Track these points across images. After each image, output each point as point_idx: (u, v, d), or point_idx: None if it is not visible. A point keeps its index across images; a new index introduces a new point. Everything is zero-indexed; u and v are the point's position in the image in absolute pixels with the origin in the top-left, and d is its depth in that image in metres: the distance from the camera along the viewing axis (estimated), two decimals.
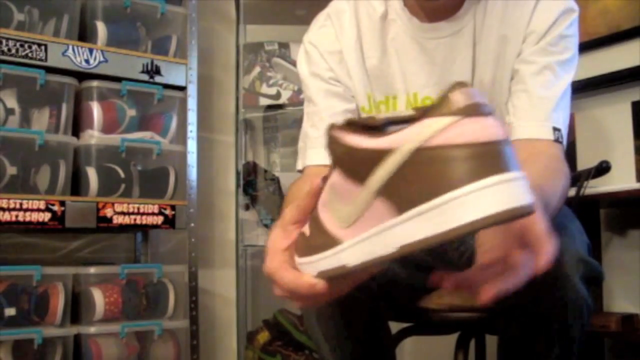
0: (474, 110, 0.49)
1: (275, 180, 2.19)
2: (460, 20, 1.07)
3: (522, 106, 1.05)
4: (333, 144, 0.58)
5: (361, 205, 0.56)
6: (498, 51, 1.07)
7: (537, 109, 1.05)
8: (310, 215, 0.66)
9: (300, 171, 1.17)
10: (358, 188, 0.55)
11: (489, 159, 0.48)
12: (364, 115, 1.17)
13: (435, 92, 1.11)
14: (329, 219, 0.61)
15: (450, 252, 1.14)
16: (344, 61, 1.14)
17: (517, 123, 1.04)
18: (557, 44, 1.04)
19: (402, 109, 1.14)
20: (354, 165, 0.56)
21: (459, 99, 0.49)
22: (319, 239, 0.62)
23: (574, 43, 1.06)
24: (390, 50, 1.12)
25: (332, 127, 0.58)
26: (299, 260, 0.66)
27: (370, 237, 0.56)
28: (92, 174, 1.78)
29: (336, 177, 0.59)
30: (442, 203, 0.48)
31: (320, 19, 1.19)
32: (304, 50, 1.18)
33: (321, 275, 0.62)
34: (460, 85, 0.50)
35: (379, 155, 0.52)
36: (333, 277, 0.62)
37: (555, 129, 1.02)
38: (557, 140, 1.02)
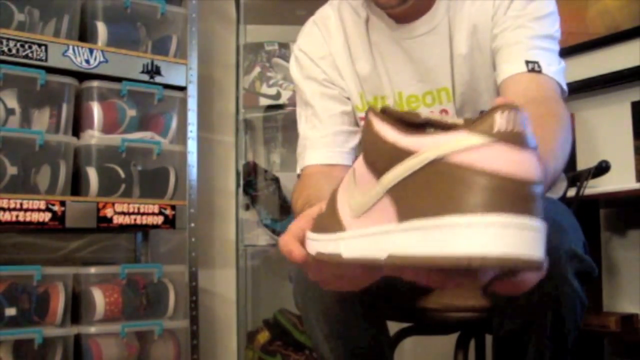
0: (513, 138, 0.44)
1: (275, 180, 2.19)
2: (434, 18, 1.09)
3: (496, 61, 1.04)
4: (365, 128, 0.54)
5: (372, 200, 0.53)
6: (471, 42, 1.08)
7: (505, 53, 1.01)
8: (332, 192, 0.64)
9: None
10: (374, 181, 0.53)
11: (510, 195, 0.43)
12: (358, 114, 1.17)
13: (420, 90, 1.12)
14: (343, 203, 0.59)
15: None
16: (335, 64, 1.16)
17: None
18: (526, 7, 1.03)
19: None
20: (376, 156, 0.53)
21: (502, 121, 0.44)
22: (329, 220, 0.61)
23: (546, 5, 1.05)
24: (375, 52, 1.14)
25: (370, 110, 0.55)
26: (308, 234, 0.64)
27: (369, 236, 0.53)
28: (92, 174, 1.78)
29: (359, 163, 0.56)
30: (443, 225, 0.44)
31: (307, 26, 1.22)
32: (294, 58, 1.21)
33: (319, 256, 0.61)
34: (509, 107, 0.45)
35: (400, 154, 0.49)
36: (328, 262, 0.60)
37: (529, 62, 0.97)
38: (533, 70, 0.96)
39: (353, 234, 0.56)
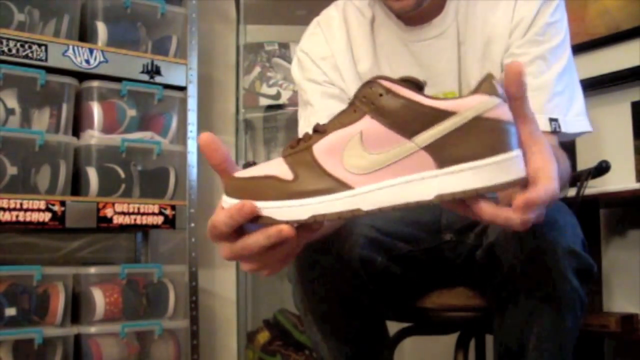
0: (503, 97, 0.62)
1: None
2: (443, 22, 1.09)
3: None
4: (382, 94, 0.64)
5: (398, 156, 0.62)
6: (483, 51, 1.08)
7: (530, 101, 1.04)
8: (288, 158, 0.66)
9: None
10: (401, 139, 0.62)
11: (511, 136, 0.62)
12: None
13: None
14: (336, 164, 0.64)
15: (447, 252, 1.14)
16: (337, 65, 1.15)
17: None
18: (545, 33, 1.04)
19: None
20: (407, 117, 0.62)
21: (497, 85, 0.61)
22: (315, 184, 0.63)
23: (561, 27, 1.06)
24: (380, 54, 1.14)
25: (382, 77, 0.65)
26: (274, 203, 0.64)
27: (397, 185, 0.62)
28: (92, 174, 1.78)
29: (371, 126, 0.64)
30: (493, 162, 0.60)
31: (310, 27, 1.22)
32: (296, 59, 1.21)
33: (317, 218, 0.63)
34: (492, 76, 0.62)
35: (440, 115, 0.61)
36: (335, 220, 0.63)
37: (552, 120, 1.01)
38: (554, 131, 1.01)
39: (371, 188, 0.63)
